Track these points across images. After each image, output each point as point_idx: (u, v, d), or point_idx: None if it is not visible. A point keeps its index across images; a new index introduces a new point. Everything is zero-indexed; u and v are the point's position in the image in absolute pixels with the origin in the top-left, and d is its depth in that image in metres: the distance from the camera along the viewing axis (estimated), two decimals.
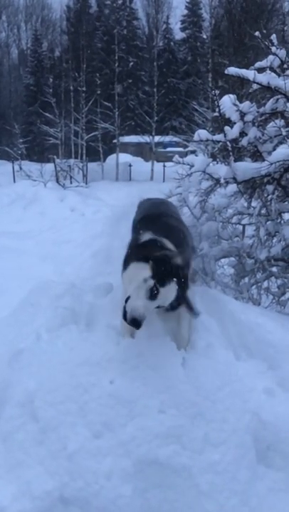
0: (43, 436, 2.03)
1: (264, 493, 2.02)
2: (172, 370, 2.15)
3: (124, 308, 1.90)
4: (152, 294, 1.92)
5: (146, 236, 2.14)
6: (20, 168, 21.81)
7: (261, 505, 1.97)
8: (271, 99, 3.67)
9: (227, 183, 3.65)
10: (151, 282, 1.91)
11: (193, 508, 1.89)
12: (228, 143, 3.55)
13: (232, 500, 1.91)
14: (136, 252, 1.99)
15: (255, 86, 3.64)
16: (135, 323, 1.85)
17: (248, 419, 2.15)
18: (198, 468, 1.94)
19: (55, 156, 19.51)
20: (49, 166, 17.67)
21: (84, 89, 29.06)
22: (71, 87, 30.25)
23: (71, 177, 19.48)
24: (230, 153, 3.53)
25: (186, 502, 1.90)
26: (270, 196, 3.61)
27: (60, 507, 1.88)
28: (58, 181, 16.32)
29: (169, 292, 1.98)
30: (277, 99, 3.63)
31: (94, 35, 35.68)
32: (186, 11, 40.93)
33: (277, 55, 3.61)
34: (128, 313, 1.85)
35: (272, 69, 3.66)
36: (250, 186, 3.66)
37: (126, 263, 2.06)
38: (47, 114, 29.83)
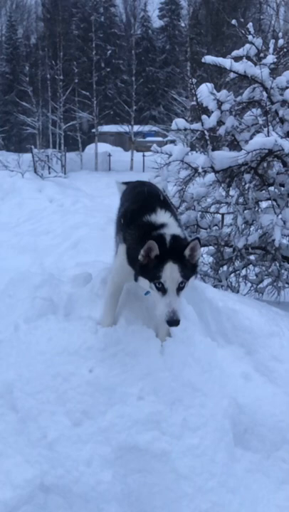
0: (23, 426, 2.03)
1: (241, 474, 2.08)
2: (151, 357, 2.16)
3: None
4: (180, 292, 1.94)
5: (170, 229, 2.02)
6: None
7: (239, 486, 2.02)
8: (248, 88, 3.70)
9: (205, 172, 3.67)
10: (183, 282, 1.92)
11: (172, 491, 1.93)
12: (205, 132, 3.56)
13: (210, 482, 1.96)
14: (168, 250, 1.91)
15: (232, 75, 3.66)
16: (177, 323, 1.87)
17: (226, 404, 2.20)
18: (177, 452, 1.98)
19: (32, 146, 19.14)
20: (27, 156, 17.32)
21: (61, 77, 28.54)
22: (48, 76, 29.69)
23: (49, 167, 19.17)
24: (208, 143, 3.54)
25: (166, 485, 1.93)
26: (247, 185, 3.65)
27: (41, 495, 1.90)
28: (35, 172, 16.03)
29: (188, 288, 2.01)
30: (254, 88, 3.66)
31: (70, 22, 34.95)
32: None
33: (253, 44, 3.63)
34: (169, 315, 1.85)
35: (249, 58, 3.68)
36: (228, 175, 3.69)
37: (154, 258, 1.91)
38: (24, 104, 29.22)
